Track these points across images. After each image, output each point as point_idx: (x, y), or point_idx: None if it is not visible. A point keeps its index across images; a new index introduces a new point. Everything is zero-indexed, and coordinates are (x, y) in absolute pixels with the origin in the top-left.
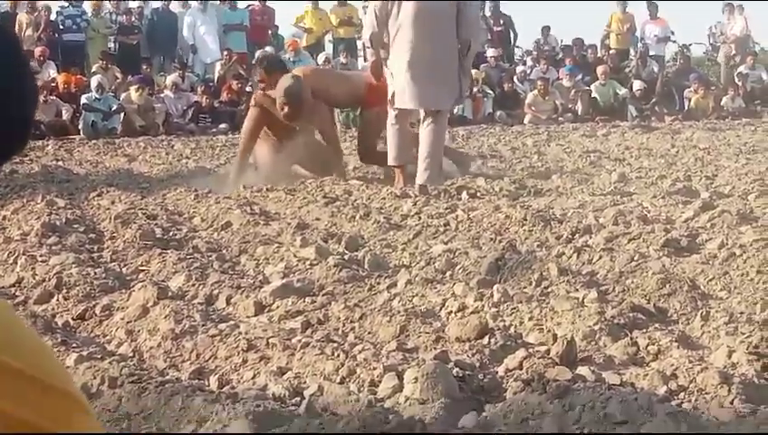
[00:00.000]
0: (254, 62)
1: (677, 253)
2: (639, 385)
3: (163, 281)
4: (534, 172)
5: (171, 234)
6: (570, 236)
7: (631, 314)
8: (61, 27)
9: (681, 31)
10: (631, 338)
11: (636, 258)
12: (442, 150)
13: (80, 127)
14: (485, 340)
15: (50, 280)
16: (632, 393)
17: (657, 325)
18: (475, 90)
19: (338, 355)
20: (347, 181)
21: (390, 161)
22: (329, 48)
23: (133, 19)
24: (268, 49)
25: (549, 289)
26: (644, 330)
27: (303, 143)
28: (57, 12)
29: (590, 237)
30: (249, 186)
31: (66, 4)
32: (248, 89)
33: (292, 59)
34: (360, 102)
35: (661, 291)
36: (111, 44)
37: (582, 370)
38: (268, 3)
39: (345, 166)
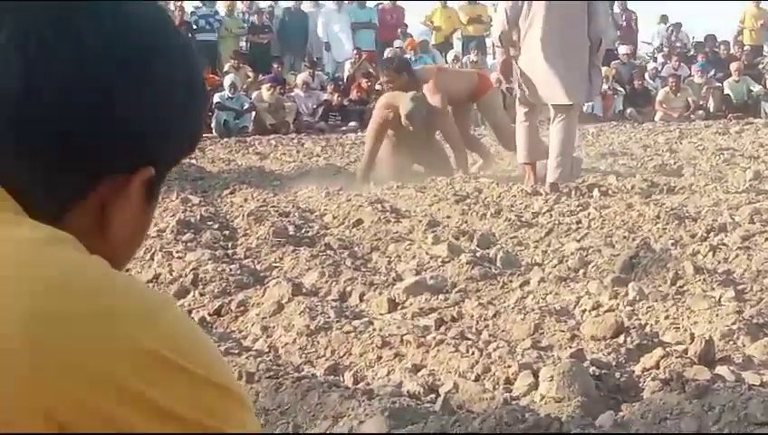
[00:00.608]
0: (380, 62)
1: None
2: None
3: (297, 278)
4: (667, 170)
5: (303, 231)
6: (705, 235)
7: None
8: (194, 27)
9: None
10: None
11: None
12: (573, 148)
13: (212, 126)
14: (621, 338)
15: (186, 276)
16: None
17: None
18: (605, 87)
19: (472, 353)
20: (477, 179)
21: (520, 159)
22: (457, 46)
23: (264, 19)
24: (396, 44)
25: (684, 288)
26: None
27: (426, 146)
28: (191, 12)
29: (726, 236)
30: (378, 184)
31: (200, 4)
32: (377, 87)
33: (413, 57)
34: (475, 94)
35: None
36: (243, 44)
37: (721, 370)
38: (398, 1)
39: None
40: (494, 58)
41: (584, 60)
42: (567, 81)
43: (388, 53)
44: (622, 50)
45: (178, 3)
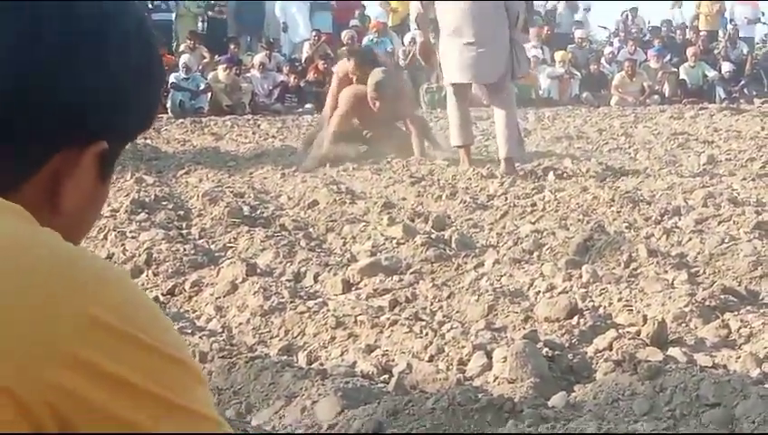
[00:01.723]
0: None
1: None
2: (732, 368)
3: (251, 258)
4: (621, 154)
5: (258, 212)
6: (659, 218)
7: (722, 297)
8: (150, 6)
9: None
10: (723, 320)
11: (726, 240)
12: (516, 123)
13: (167, 106)
14: (575, 320)
15: (140, 256)
16: (725, 375)
17: (748, 308)
18: (562, 71)
19: (426, 334)
20: (432, 161)
21: (453, 142)
22: (414, 28)
23: None
24: (352, 24)
25: (638, 270)
26: (735, 312)
27: (389, 133)
28: None
29: (680, 219)
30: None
31: None
32: (334, 69)
33: (375, 40)
34: None
35: (753, 274)
36: (200, 24)
37: (674, 351)
38: None
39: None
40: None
41: (504, 35)
42: (487, 57)
43: (344, 34)
44: (578, 34)
45: None
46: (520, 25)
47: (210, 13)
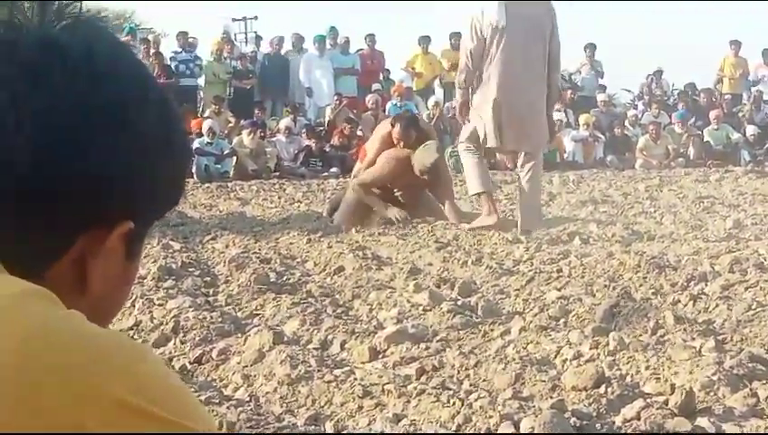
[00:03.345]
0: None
1: None
2: None
3: (278, 325)
4: (647, 218)
5: (285, 278)
6: (685, 284)
7: (750, 365)
8: (174, 72)
9: None
10: (751, 389)
11: (753, 307)
12: (539, 194)
13: (193, 171)
14: (602, 389)
15: (167, 323)
16: None
17: None
18: (586, 134)
19: (453, 403)
20: (457, 226)
21: (474, 190)
22: (439, 92)
23: (247, 64)
24: (375, 87)
25: (665, 337)
26: (764, 381)
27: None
28: (171, 57)
29: (706, 285)
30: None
31: (179, 49)
32: (359, 133)
33: (398, 104)
34: None
35: None
36: (228, 89)
37: (702, 421)
38: (377, 47)
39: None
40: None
41: (544, 106)
42: (534, 129)
43: (369, 99)
44: (600, 97)
45: (154, 50)
46: (555, 99)
47: (236, 81)
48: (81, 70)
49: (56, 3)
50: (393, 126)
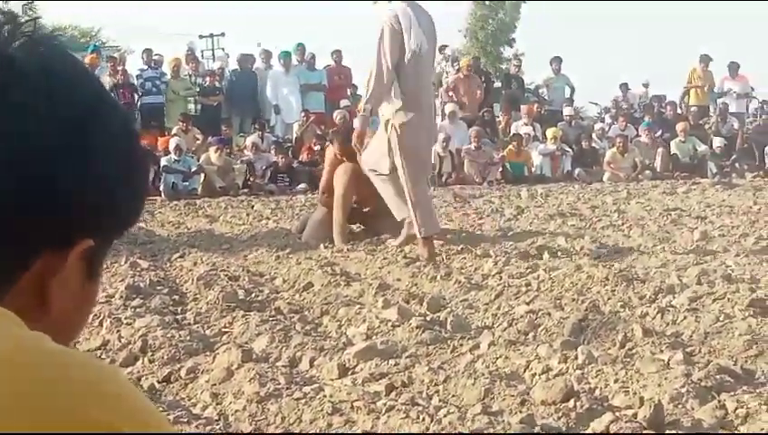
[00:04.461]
0: (329, 134)
1: (764, 313)
2: None
3: (247, 343)
4: (615, 231)
5: (253, 295)
6: (653, 296)
7: (719, 377)
8: (141, 90)
9: (762, 87)
10: (719, 401)
11: (721, 318)
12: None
13: (160, 188)
14: (571, 403)
15: (135, 342)
16: None
17: (745, 387)
18: (554, 147)
19: (423, 419)
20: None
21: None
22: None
23: (215, 81)
24: (343, 104)
25: (633, 350)
26: (732, 393)
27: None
28: (137, 75)
29: (674, 297)
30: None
31: (146, 66)
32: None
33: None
34: None
35: (748, 352)
36: (191, 105)
37: (671, 434)
38: (344, 62)
39: None
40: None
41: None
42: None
43: (336, 114)
44: (567, 111)
45: (122, 67)
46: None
47: (202, 99)
48: (39, 88)
49: (11, 23)
50: (332, 143)
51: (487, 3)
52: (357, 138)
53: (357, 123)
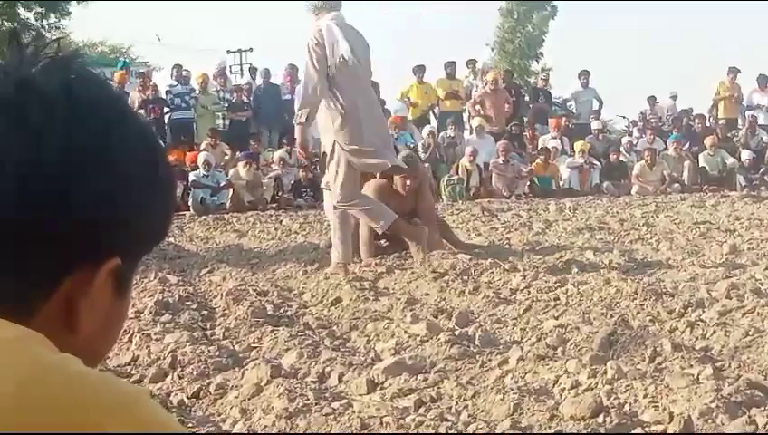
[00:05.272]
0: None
1: None
2: None
3: (275, 358)
4: (644, 244)
5: (282, 310)
6: (682, 311)
7: (749, 391)
8: (171, 105)
9: None
10: (749, 416)
11: (751, 332)
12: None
13: (189, 203)
14: (600, 418)
15: (164, 358)
16: None
17: None
18: (581, 160)
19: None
20: (455, 255)
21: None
22: (434, 121)
23: (243, 96)
24: None
25: (663, 365)
26: (762, 407)
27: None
28: (166, 90)
29: (703, 311)
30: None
31: (175, 82)
32: None
33: (395, 135)
34: None
35: None
36: (220, 121)
37: None
38: (373, 77)
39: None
40: (470, 133)
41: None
42: None
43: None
44: (595, 125)
45: (151, 83)
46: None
47: (230, 114)
48: (60, 109)
49: (33, 43)
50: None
51: (515, 17)
52: (301, 148)
53: (297, 133)
